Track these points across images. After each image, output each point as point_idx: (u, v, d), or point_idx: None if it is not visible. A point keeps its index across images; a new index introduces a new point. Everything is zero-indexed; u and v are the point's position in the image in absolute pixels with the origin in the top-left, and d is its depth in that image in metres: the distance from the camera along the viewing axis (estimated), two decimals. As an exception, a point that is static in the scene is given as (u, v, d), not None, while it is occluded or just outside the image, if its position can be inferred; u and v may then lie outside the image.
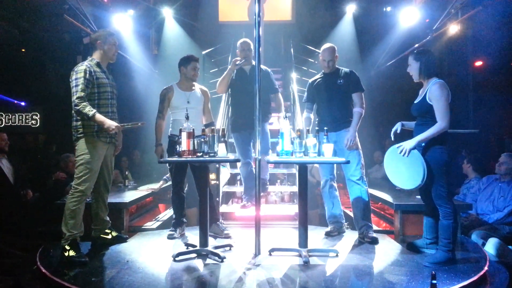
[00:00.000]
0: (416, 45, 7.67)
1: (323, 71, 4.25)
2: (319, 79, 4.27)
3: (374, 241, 3.90)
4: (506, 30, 6.73)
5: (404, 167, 3.37)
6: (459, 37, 7.21)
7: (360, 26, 9.36)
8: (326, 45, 4.17)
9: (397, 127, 3.68)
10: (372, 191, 4.73)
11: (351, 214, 4.37)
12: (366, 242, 3.93)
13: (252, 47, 4.58)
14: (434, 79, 3.35)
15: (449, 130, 3.32)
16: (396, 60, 8.76)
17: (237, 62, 4.50)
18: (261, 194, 4.76)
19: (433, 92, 3.28)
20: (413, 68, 3.46)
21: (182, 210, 4.29)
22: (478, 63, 8.14)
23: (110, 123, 3.49)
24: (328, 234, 4.18)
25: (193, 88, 4.28)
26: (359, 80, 4.13)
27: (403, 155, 3.30)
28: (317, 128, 3.64)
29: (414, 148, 3.27)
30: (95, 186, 3.75)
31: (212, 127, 3.88)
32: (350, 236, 4.17)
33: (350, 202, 4.18)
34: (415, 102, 3.51)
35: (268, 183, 5.07)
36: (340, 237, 4.16)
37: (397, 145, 3.43)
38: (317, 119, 4.27)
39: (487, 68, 7.95)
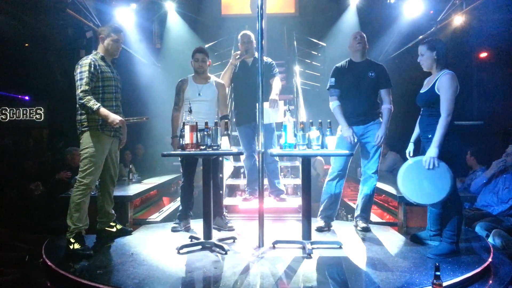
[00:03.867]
0: (421, 37, 7.62)
1: (350, 58, 4.12)
2: (348, 67, 4.09)
3: (365, 230, 4.03)
4: (511, 20, 6.66)
5: (427, 181, 3.24)
6: (463, 28, 7.14)
7: (364, 18, 9.29)
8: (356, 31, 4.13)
9: (410, 148, 3.67)
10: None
11: (354, 206, 4.38)
12: (358, 230, 4.07)
13: (253, 38, 4.56)
14: (446, 70, 3.33)
15: (456, 122, 3.30)
16: (401, 51, 8.71)
17: (237, 57, 4.48)
18: (278, 199, 4.79)
19: (443, 82, 3.25)
20: (427, 58, 3.39)
21: (189, 203, 4.30)
22: (483, 55, 8.08)
23: (114, 117, 3.49)
24: (320, 230, 4.11)
25: (209, 81, 4.26)
26: (389, 76, 4.05)
27: (432, 167, 3.20)
28: (329, 120, 3.62)
29: (439, 155, 3.21)
30: (101, 180, 3.77)
31: (226, 120, 3.88)
32: (353, 229, 4.18)
33: (359, 191, 4.19)
34: (421, 92, 3.48)
35: (285, 192, 4.96)
36: (343, 230, 4.17)
37: (412, 159, 3.37)
38: None
39: (492, 59, 7.89)
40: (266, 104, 4.28)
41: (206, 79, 4.26)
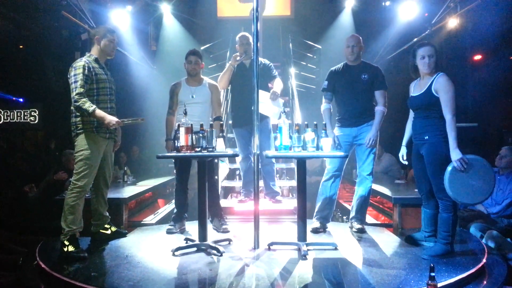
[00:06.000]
0: (415, 39, 7.66)
1: (346, 62, 4.13)
2: (343, 70, 4.12)
3: (360, 231, 4.04)
4: (505, 23, 6.71)
5: (472, 179, 3.21)
6: (458, 31, 7.19)
7: (359, 21, 9.34)
8: (351, 34, 4.14)
9: (403, 152, 3.71)
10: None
11: (349, 207, 4.38)
12: (353, 231, 4.08)
13: (251, 40, 4.55)
14: (440, 72, 3.36)
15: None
16: (396, 54, 8.75)
17: (237, 58, 4.48)
18: (273, 201, 4.80)
19: (442, 84, 3.27)
20: (435, 60, 3.36)
21: (183, 205, 4.29)
22: (477, 57, 8.13)
23: (111, 119, 3.49)
24: (315, 231, 4.10)
25: (202, 83, 4.26)
26: (384, 78, 4.05)
27: (465, 169, 3.18)
28: (324, 122, 3.64)
29: (463, 155, 3.19)
30: (95, 182, 3.75)
31: (217, 122, 3.89)
32: (348, 230, 4.18)
33: (354, 192, 4.20)
34: (414, 95, 3.48)
35: (280, 194, 4.98)
36: (338, 231, 4.17)
37: (446, 173, 3.27)
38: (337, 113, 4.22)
39: (486, 61, 7.94)
40: (266, 94, 4.28)
41: (199, 81, 4.26)
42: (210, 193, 4.05)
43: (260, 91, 4.26)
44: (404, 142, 3.71)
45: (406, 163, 3.81)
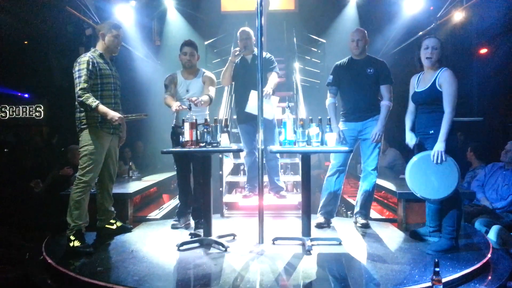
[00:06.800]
0: (420, 33, 7.60)
1: (351, 56, 4.11)
2: (348, 64, 4.11)
3: (364, 226, 4.05)
4: (511, 17, 6.65)
5: (434, 176, 3.23)
6: (463, 24, 7.13)
7: (363, 14, 9.28)
8: (356, 28, 4.11)
9: (413, 138, 3.56)
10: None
11: (353, 202, 4.37)
12: (358, 226, 4.09)
13: (252, 35, 4.53)
14: (444, 67, 3.36)
15: (454, 118, 3.30)
16: (400, 48, 8.69)
17: (236, 53, 4.46)
18: (277, 196, 4.80)
19: (446, 78, 3.27)
20: (438, 53, 3.36)
21: (186, 200, 4.30)
22: (483, 51, 8.06)
23: (113, 114, 3.49)
24: (319, 226, 4.11)
25: (197, 75, 4.21)
26: (390, 72, 4.03)
27: (440, 161, 3.19)
28: (328, 117, 3.63)
29: (446, 149, 3.20)
30: (100, 177, 3.77)
31: (206, 98, 3.92)
32: (352, 225, 4.19)
33: (359, 187, 4.20)
34: (418, 90, 3.47)
35: (284, 189, 4.95)
36: (342, 226, 4.17)
37: (418, 155, 3.34)
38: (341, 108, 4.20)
39: (491, 55, 7.87)
40: (254, 93, 4.19)
41: (194, 74, 4.21)
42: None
43: (252, 92, 4.25)
44: (408, 128, 3.62)
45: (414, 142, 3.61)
